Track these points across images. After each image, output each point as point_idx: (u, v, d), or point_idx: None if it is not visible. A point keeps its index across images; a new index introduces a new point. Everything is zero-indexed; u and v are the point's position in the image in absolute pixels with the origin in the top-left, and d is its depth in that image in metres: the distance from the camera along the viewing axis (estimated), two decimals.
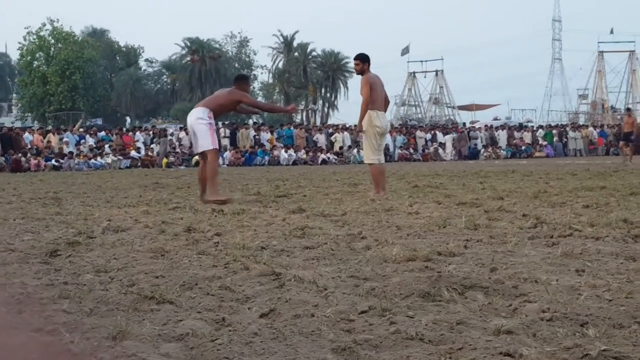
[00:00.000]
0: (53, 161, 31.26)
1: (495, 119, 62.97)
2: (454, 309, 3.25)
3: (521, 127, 51.36)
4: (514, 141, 45.65)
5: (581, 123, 57.18)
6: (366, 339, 2.80)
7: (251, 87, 11.25)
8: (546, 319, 3.01)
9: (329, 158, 37.31)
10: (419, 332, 2.85)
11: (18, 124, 53.62)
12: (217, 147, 9.98)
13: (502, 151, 43.48)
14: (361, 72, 10.78)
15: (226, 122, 42.76)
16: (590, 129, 48.25)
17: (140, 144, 36.36)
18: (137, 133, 38.08)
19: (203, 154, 9.88)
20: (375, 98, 10.64)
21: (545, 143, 45.39)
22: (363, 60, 10.78)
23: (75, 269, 4.56)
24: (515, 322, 2.98)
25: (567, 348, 2.61)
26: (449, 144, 42.34)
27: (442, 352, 2.63)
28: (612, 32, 68.27)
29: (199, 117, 9.74)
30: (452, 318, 3.06)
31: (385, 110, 11.05)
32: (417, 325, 2.96)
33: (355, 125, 12.11)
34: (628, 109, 29.29)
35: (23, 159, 30.40)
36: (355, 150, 38.44)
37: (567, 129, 47.86)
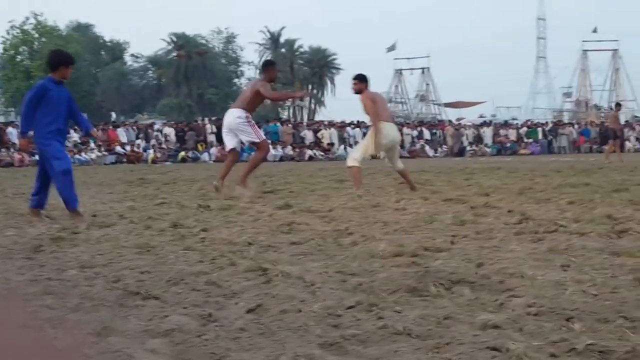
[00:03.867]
0: (37, 156, 31.07)
1: (481, 117, 63.12)
2: (441, 304, 3.25)
3: (506, 124, 51.51)
4: (499, 138, 45.80)
5: (565, 121, 57.37)
6: (354, 334, 2.80)
7: (278, 71, 11.65)
8: (532, 314, 3.02)
9: (315, 154, 37.28)
10: (406, 327, 2.85)
11: (1, 119, 53.24)
12: (264, 137, 10.91)
13: (487, 148, 43.62)
14: (359, 91, 10.73)
15: (213, 119, 42.65)
16: (570, 128, 48.41)
17: (123, 140, 36.13)
18: (119, 129, 37.80)
19: (234, 150, 10.63)
20: (380, 111, 10.62)
21: (529, 140, 45.57)
22: (361, 80, 10.74)
23: (59, 265, 4.53)
24: (502, 316, 2.99)
25: (553, 342, 2.61)
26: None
27: (430, 347, 2.63)
28: (595, 30, 68.48)
29: (237, 117, 10.41)
30: (440, 313, 3.06)
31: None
32: (404, 320, 2.96)
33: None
34: (618, 104, 29.11)
35: (5, 153, 30.18)
36: (342, 147, 38.46)
37: (558, 127, 48.05)
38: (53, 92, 7.28)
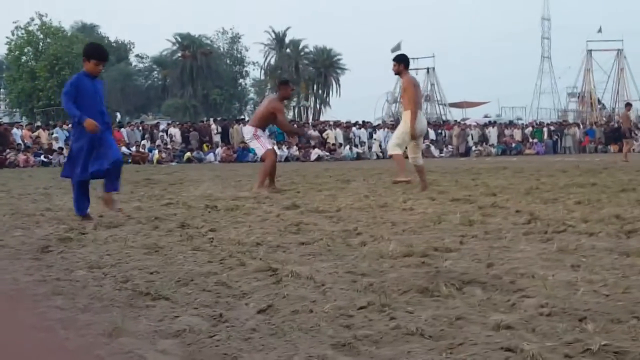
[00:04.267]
0: (42, 157, 31.10)
1: (486, 117, 63.03)
2: (453, 305, 3.23)
3: (511, 124, 51.44)
4: (504, 138, 45.76)
5: (570, 121, 57.26)
6: (366, 335, 2.78)
7: (292, 89, 12.78)
8: (545, 314, 3.00)
9: (320, 155, 37.25)
10: (419, 327, 2.83)
11: (6, 120, 53.26)
12: (269, 147, 11.54)
13: (492, 148, 43.58)
14: (398, 72, 10.74)
15: (218, 119, 42.66)
16: (575, 128, 48.30)
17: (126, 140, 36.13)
18: (123, 129, 37.77)
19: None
20: (418, 99, 10.63)
21: (535, 140, 45.53)
22: (399, 61, 10.73)
23: (67, 265, 4.52)
24: (515, 317, 2.97)
25: (567, 343, 2.60)
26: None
27: (443, 348, 2.61)
28: (600, 30, 68.27)
29: (247, 133, 11.66)
30: (452, 313, 3.04)
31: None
32: (416, 321, 2.94)
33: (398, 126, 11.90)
34: (628, 104, 28.95)
35: (11, 154, 30.21)
36: (347, 147, 38.44)
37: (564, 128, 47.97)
38: (85, 85, 7.24)
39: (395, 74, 10.86)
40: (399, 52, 10.94)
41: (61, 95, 7.39)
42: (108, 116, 7.58)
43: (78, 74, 7.41)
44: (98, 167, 7.22)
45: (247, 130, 11.57)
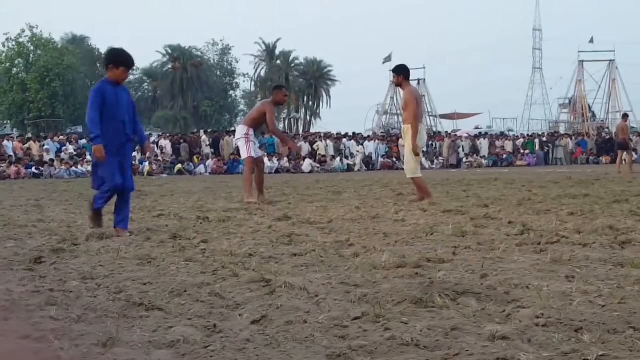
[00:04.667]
0: (33, 169, 31.00)
1: (477, 128, 63.23)
2: (447, 315, 3.22)
3: (502, 135, 51.59)
4: (496, 150, 45.86)
5: (562, 132, 57.46)
6: (361, 345, 2.77)
7: (286, 95, 12.41)
8: (541, 325, 3.00)
9: (312, 167, 37.25)
10: (414, 338, 2.82)
11: None
12: (251, 155, 11.31)
13: (483, 160, 43.67)
14: (399, 84, 10.61)
15: (209, 131, 42.65)
16: (567, 139, 48.45)
17: None
18: None
19: (257, 163, 11.39)
20: (419, 113, 10.53)
21: (526, 152, 45.64)
22: (399, 72, 10.58)
23: (61, 276, 4.50)
24: (510, 327, 2.96)
25: (564, 353, 2.59)
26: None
27: (439, 358, 2.60)
28: (592, 41, 68.65)
29: (238, 135, 11.61)
30: (447, 324, 3.03)
31: None
32: (411, 331, 2.93)
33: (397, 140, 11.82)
34: (624, 115, 29.07)
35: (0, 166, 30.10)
36: (338, 159, 38.44)
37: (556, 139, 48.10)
38: (108, 94, 6.80)
39: (396, 85, 10.79)
40: (398, 63, 10.72)
41: (88, 105, 6.81)
42: (133, 126, 7.06)
43: (102, 81, 6.94)
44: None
45: (240, 130, 11.54)
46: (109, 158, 6.76)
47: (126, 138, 6.98)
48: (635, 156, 40.02)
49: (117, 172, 6.85)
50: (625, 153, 24.57)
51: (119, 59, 6.98)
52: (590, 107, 68.54)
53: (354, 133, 44.73)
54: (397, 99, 73.07)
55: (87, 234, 6.62)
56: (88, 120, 6.77)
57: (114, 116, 6.82)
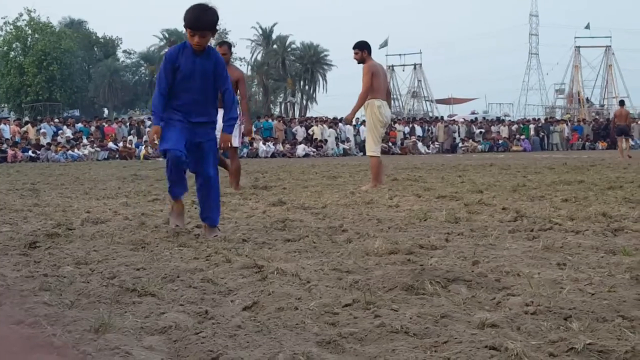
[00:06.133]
0: (30, 152, 30.98)
1: (473, 113, 63.23)
2: (437, 302, 3.24)
3: (499, 120, 51.58)
4: (492, 135, 45.89)
5: (558, 118, 57.45)
6: (351, 332, 2.79)
7: (230, 54, 10.70)
8: (530, 313, 3.02)
9: (306, 150, 37.24)
10: (403, 325, 2.84)
11: None
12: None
13: (479, 145, 43.70)
14: (361, 60, 10.53)
15: None
16: (563, 125, 48.46)
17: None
18: (114, 125, 37.84)
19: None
20: (377, 87, 10.40)
21: (522, 137, 45.67)
22: (361, 47, 10.51)
23: (55, 261, 4.51)
24: (500, 315, 2.98)
25: (552, 341, 2.61)
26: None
27: (428, 346, 2.62)
28: (588, 27, 68.58)
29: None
30: (437, 311, 3.05)
31: (388, 102, 10.88)
32: (401, 319, 2.95)
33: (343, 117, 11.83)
34: (622, 102, 29.27)
35: None
36: (334, 143, 38.45)
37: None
38: (184, 62, 5.50)
39: (358, 62, 10.64)
40: (358, 41, 10.62)
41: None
42: (224, 105, 5.72)
43: (178, 45, 5.66)
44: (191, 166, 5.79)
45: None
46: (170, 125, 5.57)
47: (204, 118, 5.66)
48: (632, 142, 40.11)
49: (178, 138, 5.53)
50: (626, 138, 24.75)
51: (184, 18, 5.51)
52: (587, 99, 68.48)
53: None
54: (393, 84, 73.09)
55: (82, 219, 6.62)
56: (153, 99, 5.65)
57: (187, 90, 5.54)
